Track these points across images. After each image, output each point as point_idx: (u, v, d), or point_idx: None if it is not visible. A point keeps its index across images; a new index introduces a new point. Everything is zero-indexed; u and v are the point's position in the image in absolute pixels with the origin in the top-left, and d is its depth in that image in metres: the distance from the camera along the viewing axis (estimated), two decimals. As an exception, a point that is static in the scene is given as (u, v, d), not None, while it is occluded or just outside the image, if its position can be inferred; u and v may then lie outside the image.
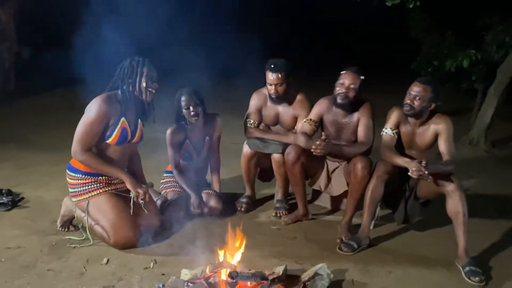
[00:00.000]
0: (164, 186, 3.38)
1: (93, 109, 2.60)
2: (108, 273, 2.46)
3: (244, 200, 3.46)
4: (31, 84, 7.18)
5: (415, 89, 2.84)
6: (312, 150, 2.89)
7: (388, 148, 2.94)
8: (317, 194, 3.59)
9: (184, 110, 3.14)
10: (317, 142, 2.88)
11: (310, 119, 3.14)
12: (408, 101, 2.85)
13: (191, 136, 3.29)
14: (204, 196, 3.29)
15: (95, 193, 2.71)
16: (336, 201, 3.52)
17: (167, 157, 3.33)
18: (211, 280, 2.06)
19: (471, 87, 6.73)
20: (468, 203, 2.73)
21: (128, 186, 2.70)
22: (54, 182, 3.70)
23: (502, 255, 2.93)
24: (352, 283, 2.50)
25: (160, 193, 3.36)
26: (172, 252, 2.72)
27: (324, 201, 3.58)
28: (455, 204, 2.71)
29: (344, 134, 3.14)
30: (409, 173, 2.66)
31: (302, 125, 3.18)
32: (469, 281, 2.56)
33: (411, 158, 2.85)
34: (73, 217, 2.90)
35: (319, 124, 3.18)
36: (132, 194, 2.71)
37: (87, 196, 2.71)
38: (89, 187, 2.71)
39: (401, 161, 2.80)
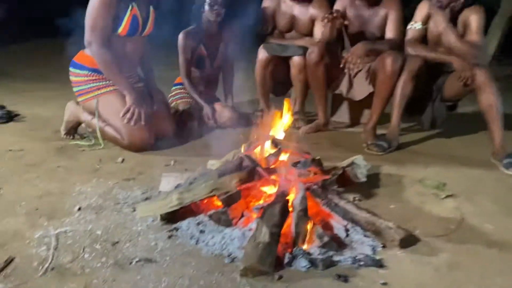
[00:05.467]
0: (174, 98, 3.13)
1: None
2: (126, 169, 2.23)
3: (259, 113, 3.24)
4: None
5: None
6: (346, 65, 2.73)
7: (420, 43, 2.76)
8: (334, 109, 3.41)
9: (207, 7, 2.89)
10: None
11: None
12: None
13: (206, 41, 3.03)
14: (217, 107, 3.06)
15: (105, 90, 2.45)
16: (356, 114, 3.35)
17: (174, 73, 3.09)
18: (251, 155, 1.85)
19: None
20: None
21: (128, 102, 2.41)
22: (52, 102, 3.41)
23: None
24: (389, 176, 2.33)
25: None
26: (191, 154, 2.51)
27: (342, 116, 3.40)
28: (487, 97, 2.54)
29: (369, 29, 2.91)
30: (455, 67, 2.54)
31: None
32: (509, 172, 2.41)
33: None
34: (78, 124, 2.64)
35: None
36: None
37: (95, 93, 2.45)
38: (98, 84, 2.45)
39: (444, 56, 2.63)
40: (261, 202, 1.73)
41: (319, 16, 3.03)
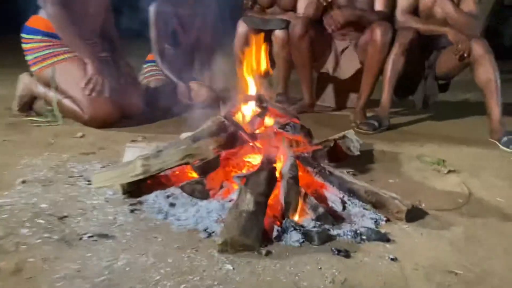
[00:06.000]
0: (146, 75, 2.84)
1: None
2: (85, 144, 1.93)
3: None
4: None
5: None
6: (327, 25, 2.49)
7: (411, 14, 2.56)
8: (319, 93, 3.18)
9: None
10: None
11: None
12: None
13: (180, 13, 2.75)
14: (193, 86, 2.78)
15: (63, 57, 2.15)
16: (342, 98, 3.13)
17: (144, 51, 2.80)
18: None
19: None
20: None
21: (89, 70, 2.12)
22: (8, 82, 3.04)
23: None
24: (383, 153, 2.11)
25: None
26: (161, 131, 2.22)
27: (328, 100, 3.16)
28: (485, 71, 2.35)
29: (357, 4, 2.70)
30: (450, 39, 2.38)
31: None
32: (509, 149, 2.22)
33: None
34: (33, 98, 2.32)
35: None
36: None
37: (52, 61, 2.14)
38: (55, 50, 2.15)
39: (438, 28, 2.44)
40: (243, 172, 1.47)
41: None
